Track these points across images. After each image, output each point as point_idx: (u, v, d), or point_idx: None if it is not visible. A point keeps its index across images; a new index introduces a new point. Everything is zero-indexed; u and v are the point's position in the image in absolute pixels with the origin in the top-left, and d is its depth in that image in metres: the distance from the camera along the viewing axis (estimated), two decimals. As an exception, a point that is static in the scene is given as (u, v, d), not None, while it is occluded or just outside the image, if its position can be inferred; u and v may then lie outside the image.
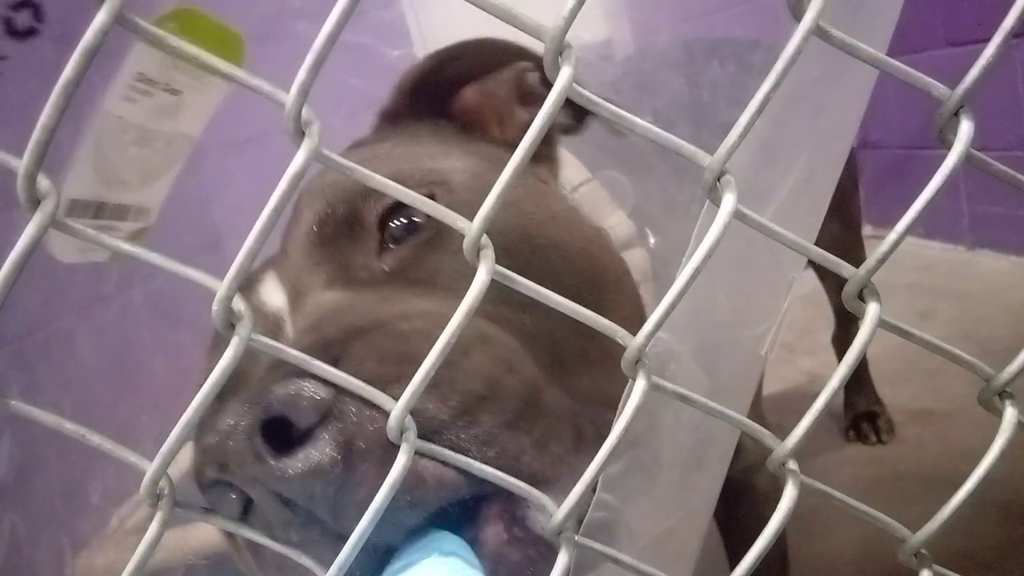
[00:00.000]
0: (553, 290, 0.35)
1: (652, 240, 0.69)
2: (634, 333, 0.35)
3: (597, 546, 0.38)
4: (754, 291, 0.60)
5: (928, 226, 2.49)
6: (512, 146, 0.34)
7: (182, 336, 0.86)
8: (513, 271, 0.35)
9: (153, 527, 0.34)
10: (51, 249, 0.77)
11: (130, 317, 0.96)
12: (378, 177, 0.33)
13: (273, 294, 0.56)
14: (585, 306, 0.35)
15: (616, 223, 0.69)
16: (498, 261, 0.33)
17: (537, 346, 0.50)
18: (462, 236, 0.33)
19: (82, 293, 0.88)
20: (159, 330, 0.98)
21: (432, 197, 0.44)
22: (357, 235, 0.56)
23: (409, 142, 0.67)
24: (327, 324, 0.48)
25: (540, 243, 0.56)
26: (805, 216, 0.60)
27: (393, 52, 0.95)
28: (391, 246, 0.55)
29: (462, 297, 0.33)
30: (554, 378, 0.49)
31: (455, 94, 0.71)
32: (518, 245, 0.54)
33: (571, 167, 0.71)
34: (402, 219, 0.55)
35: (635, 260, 0.68)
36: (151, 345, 0.99)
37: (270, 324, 0.54)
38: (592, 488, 0.37)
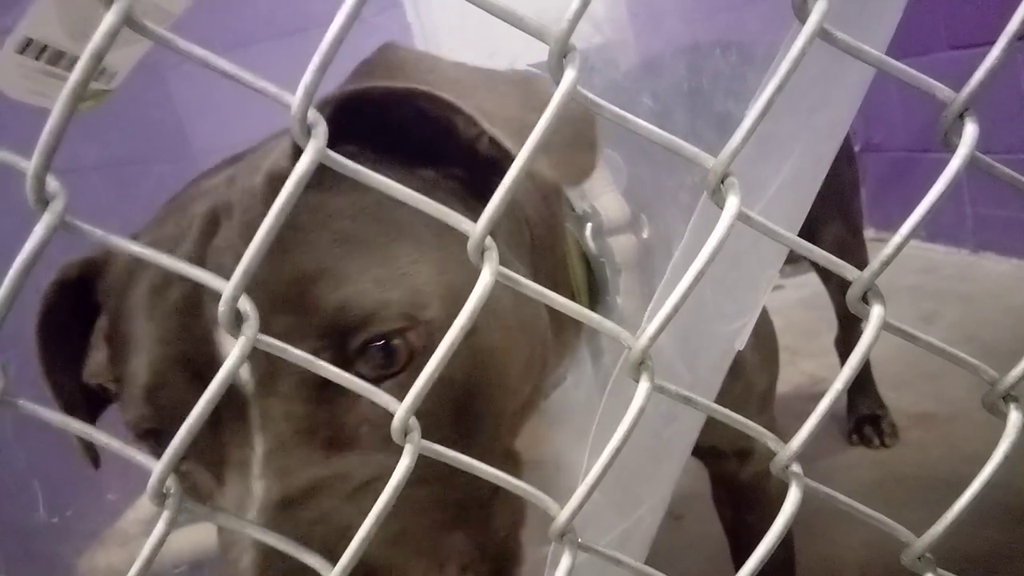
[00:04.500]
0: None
1: (646, 232, 0.69)
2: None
3: (601, 549, 0.39)
4: (736, 285, 0.60)
5: (931, 229, 2.49)
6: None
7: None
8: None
9: (160, 526, 0.34)
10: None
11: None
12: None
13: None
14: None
15: (609, 204, 0.68)
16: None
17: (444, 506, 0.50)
18: None
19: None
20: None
21: (405, 332, 0.47)
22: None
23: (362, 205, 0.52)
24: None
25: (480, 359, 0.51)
26: (790, 213, 0.60)
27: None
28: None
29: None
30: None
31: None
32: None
33: None
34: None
35: (621, 246, 0.68)
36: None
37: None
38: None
